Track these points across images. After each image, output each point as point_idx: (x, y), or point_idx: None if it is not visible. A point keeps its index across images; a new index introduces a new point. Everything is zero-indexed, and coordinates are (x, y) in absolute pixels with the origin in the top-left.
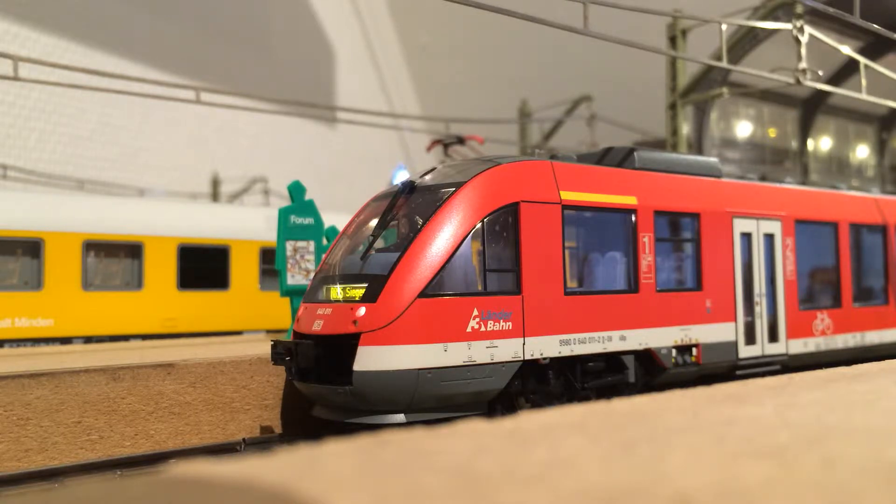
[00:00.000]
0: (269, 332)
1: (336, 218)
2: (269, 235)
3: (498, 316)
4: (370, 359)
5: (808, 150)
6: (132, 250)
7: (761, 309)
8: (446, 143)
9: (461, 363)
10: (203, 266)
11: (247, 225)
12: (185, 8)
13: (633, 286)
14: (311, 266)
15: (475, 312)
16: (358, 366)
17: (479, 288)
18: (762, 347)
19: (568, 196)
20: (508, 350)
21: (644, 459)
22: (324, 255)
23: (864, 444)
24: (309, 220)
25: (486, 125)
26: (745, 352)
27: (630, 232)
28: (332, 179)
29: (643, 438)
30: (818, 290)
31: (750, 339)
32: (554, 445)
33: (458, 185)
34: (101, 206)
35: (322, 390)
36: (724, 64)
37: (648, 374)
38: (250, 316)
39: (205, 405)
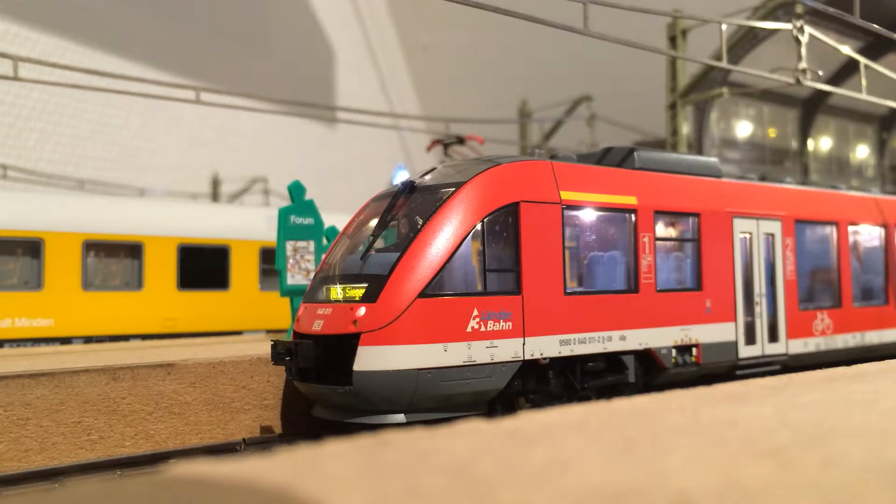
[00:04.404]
0: (269, 332)
1: (336, 218)
2: (269, 235)
3: (498, 316)
4: (370, 359)
5: (808, 150)
6: (132, 250)
7: (761, 309)
8: (446, 143)
9: (461, 363)
10: (203, 266)
11: (247, 225)
12: (185, 8)
13: (633, 286)
14: (311, 266)
15: (475, 312)
16: (358, 366)
17: (479, 288)
18: (762, 347)
19: (568, 196)
20: (508, 350)
21: (644, 459)
22: (324, 255)
23: (864, 444)
24: (309, 220)
25: (486, 125)
26: (745, 352)
27: (630, 232)
28: (332, 179)
29: (643, 438)
30: (818, 289)
31: (750, 339)
32: (554, 445)
33: (458, 185)
34: (101, 206)
35: (322, 390)
36: (724, 64)
37: (648, 374)
38: (250, 316)
39: (205, 405)
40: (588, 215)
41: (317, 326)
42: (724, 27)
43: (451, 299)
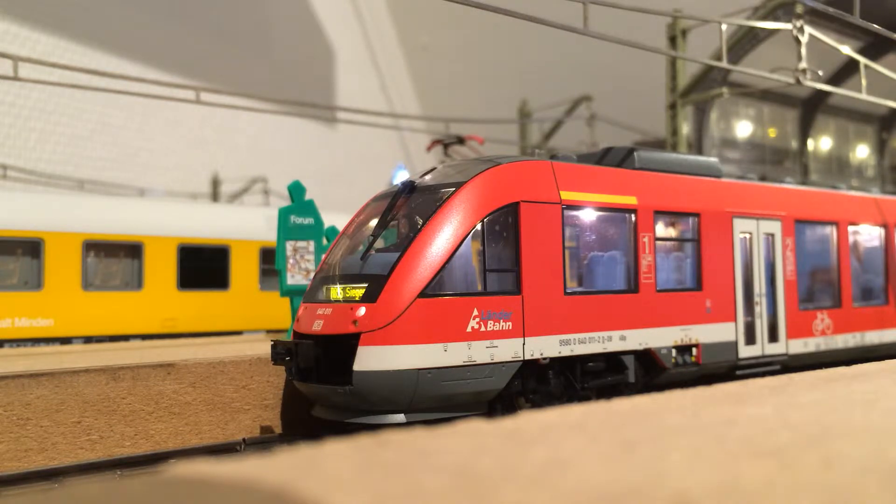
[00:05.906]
0: (269, 332)
1: (336, 218)
2: (269, 235)
3: (498, 316)
4: (370, 359)
5: (808, 150)
6: (132, 250)
7: (761, 309)
8: (446, 143)
9: (461, 363)
10: (203, 266)
11: (247, 225)
12: (185, 8)
13: (633, 286)
14: (311, 266)
15: (475, 312)
16: (358, 366)
17: (479, 288)
18: (762, 347)
19: (568, 196)
20: (508, 350)
21: (644, 459)
22: (324, 255)
23: (864, 444)
24: (309, 220)
25: (486, 125)
26: (745, 352)
27: (630, 232)
28: (332, 179)
29: (643, 438)
30: (818, 289)
31: (750, 339)
32: (554, 445)
33: (458, 185)
34: (101, 206)
35: (322, 390)
36: (724, 64)
37: (648, 374)
38: (250, 316)
39: (205, 405)
40: (588, 215)
41: (317, 326)
42: (724, 27)
43: (451, 299)
